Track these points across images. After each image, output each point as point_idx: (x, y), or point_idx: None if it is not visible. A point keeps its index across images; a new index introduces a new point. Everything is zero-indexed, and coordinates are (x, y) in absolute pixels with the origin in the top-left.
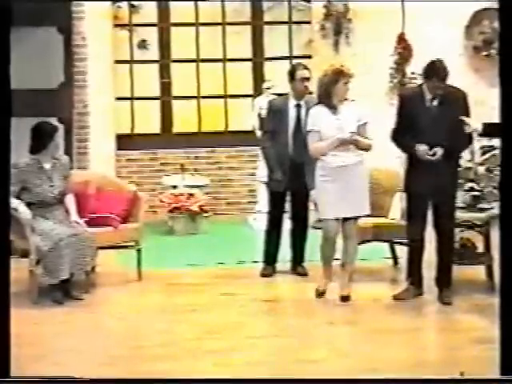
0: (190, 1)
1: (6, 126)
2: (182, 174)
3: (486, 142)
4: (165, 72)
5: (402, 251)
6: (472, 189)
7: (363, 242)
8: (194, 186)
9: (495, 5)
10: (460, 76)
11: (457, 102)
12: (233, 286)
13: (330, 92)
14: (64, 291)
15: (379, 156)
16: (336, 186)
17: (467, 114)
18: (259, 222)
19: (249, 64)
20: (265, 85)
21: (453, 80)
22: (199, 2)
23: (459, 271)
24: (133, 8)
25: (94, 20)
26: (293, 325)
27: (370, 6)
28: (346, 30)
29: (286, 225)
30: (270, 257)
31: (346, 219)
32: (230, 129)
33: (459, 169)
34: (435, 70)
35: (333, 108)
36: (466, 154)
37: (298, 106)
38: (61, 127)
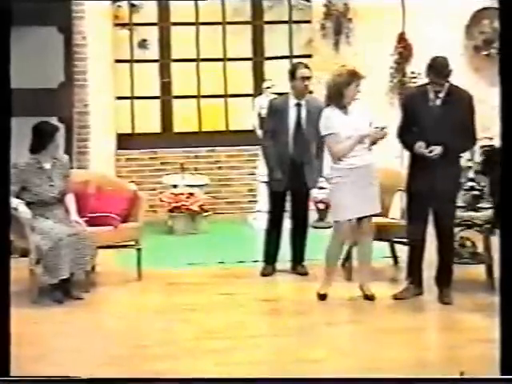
0: (190, 0)
1: (6, 125)
2: (182, 173)
3: (486, 141)
4: (165, 71)
5: (402, 251)
6: (472, 188)
7: None
8: (194, 186)
9: (495, 4)
10: (460, 75)
11: (461, 103)
12: (233, 285)
13: (342, 93)
14: (64, 290)
15: (379, 156)
16: (352, 187)
17: (472, 116)
18: (259, 221)
19: (249, 63)
20: (265, 84)
21: (453, 79)
22: (199, 2)
23: (459, 270)
24: (133, 7)
25: (95, 19)
26: (293, 324)
27: (370, 5)
28: (347, 29)
29: (286, 224)
30: (270, 256)
31: (360, 218)
32: (230, 128)
33: (460, 168)
34: (434, 66)
35: (344, 108)
36: (466, 154)
37: (299, 106)
38: (61, 126)
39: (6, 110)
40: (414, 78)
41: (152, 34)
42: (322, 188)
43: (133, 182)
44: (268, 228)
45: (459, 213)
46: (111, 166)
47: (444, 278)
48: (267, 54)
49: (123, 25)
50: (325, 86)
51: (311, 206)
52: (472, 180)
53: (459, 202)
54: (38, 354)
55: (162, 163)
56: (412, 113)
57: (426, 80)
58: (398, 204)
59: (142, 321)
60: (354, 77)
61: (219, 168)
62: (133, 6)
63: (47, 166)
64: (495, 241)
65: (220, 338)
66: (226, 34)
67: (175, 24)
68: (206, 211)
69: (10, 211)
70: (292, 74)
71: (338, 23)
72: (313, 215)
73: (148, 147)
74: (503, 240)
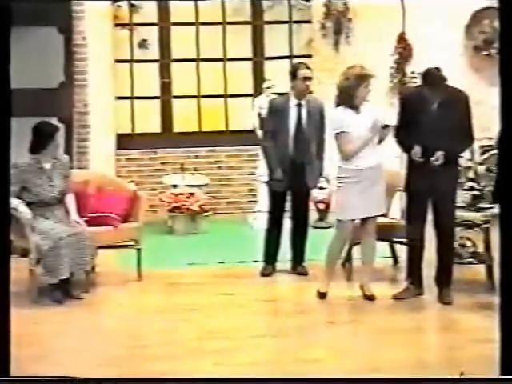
0: (190, 0)
1: (6, 125)
2: (182, 173)
3: (485, 141)
4: (165, 71)
5: (402, 251)
6: (472, 188)
7: None
8: (194, 186)
9: (495, 4)
10: (460, 76)
11: (458, 104)
12: (233, 285)
13: (352, 95)
14: (64, 291)
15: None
16: (359, 188)
17: (468, 117)
18: (259, 221)
19: (249, 63)
20: (265, 84)
21: (453, 80)
22: (199, 2)
23: (459, 270)
24: (133, 7)
25: (95, 19)
26: (293, 324)
27: (370, 5)
28: (346, 29)
29: (287, 224)
30: (270, 256)
31: (364, 219)
32: (230, 128)
33: (460, 168)
34: (429, 79)
35: (355, 108)
36: (466, 154)
37: (299, 106)
38: (61, 126)
39: (5, 110)
40: (414, 77)
41: (152, 34)
42: (322, 188)
43: (133, 181)
44: (268, 228)
45: (459, 213)
46: (111, 165)
47: (444, 277)
48: (267, 54)
49: (123, 25)
50: (336, 88)
51: (311, 206)
52: (472, 180)
53: (459, 202)
54: (38, 354)
55: (162, 163)
56: (410, 114)
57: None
58: (398, 204)
59: (141, 321)
60: (362, 79)
61: (219, 168)
62: (133, 6)
63: (47, 166)
64: (495, 240)
65: (220, 338)
66: (226, 33)
67: (175, 24)
68: (206, 211)
69: (10, 211)
70: (293, 75)
71: (337, 23)
72: (313, 215)
73: (148, 147)
74: (503, 240)
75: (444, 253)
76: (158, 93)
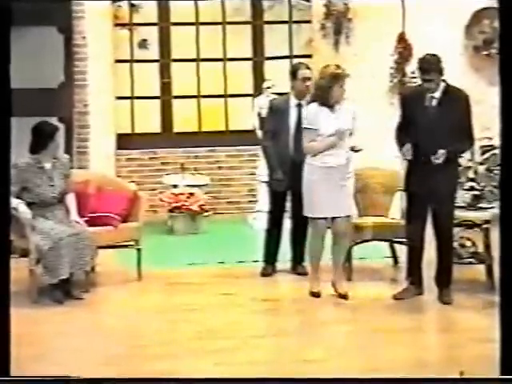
0: (190, 0)
1: (6, 125)
2: (182, 173)
3: (486, 141)
4: (165, 71)
5: (402, 251)
6: (472, 188)
7: (363, 241)
8: (194, 186)
9: (495, 4)
10: (460, 75)
11: (457, 103)
12: (233, 285)
13: (327, 94)
14: (64, 290)
15: (379, 155)
16: (325, 186)
17: (469, 116)
18: (259, 221)
19: (249, 63)
20: (265, 84)
21: (453, 79)
22: (199, 2)
23: (459, 270)
24: (133, 7)
25: (94, 19)
26: (293, 324)
27: (370, 5)
28: (347, 29)
29: (287, 224)
30: (270, 256)
31: (335, 218)
32: (230, 128)
33: (460, 168)
34: (421, 63)
35: (331, 107)
36: (466, 154)
37: (299, 106)
38: (61, 126)
39: (5, 110)
40: (414, 77)
41: (152, 34)
42: None
43: (133, 181)
44: (268, 228)
45: (459, 213)
46: (111, 165)
47: (444, 277)
48: (267, 54)
49: (123, 25)
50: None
51: None
52: (472, 180)
53: (459, 202)
54: (38, 353)
55: (162, 163)
56: (409, 113)
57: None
58: (398, 204)
59: (141, 321)
60: (336, 78)
61: (219, 168)
62: (133, 6)
63: (47, 166)
64: (495, 240)
65: (220, 338)
66: (225, 33)
67: (175, 24)
68: (206, 211)
69: (10, 211)
70: (293, 75)
71: (338, 23)
72: None
73: (148, 147)
74: (503, 240)
75: (444, 253)
76: (157, 93)
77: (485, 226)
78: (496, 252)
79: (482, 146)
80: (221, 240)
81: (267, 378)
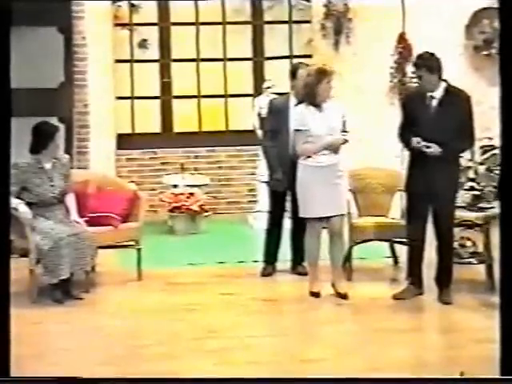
0: (190, 0)
1: (7, 125)
2: (182, 173)
3: (486, 141)
4: (165, 71)
5: (402, 251)
6: (472, 188)
7: (363, 241)
8: (194, 186)
9: (495, 4)
10: (460, 75)
11: (458, 103)
12: (233, 285)
13: (315, 92)
14: (64, 290)
15: (379, 155)
16: (319, 185)
17: (470, 116)
18: (259, 221)
19: (249, 63)
20: (265, 84)
21: (453, 80)
22: (199, 2)
23: (459, 270)
24: (133, 7)
25: (94, 19)
26: (293, 324)
27: (370, 5)
28: (347, 29)
29: (287, 224)
30: (270, 256)
31: (330, 217)
32: (230, 128)
33: (460, 168)
34: (416, 60)
35: (318, 106)
36: (466, 154)
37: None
38: (61, 126)
39: (5, 110)
40: (414, 77)
41: (152, 34)
42: None
43: (133, 181)
44: (268, 228)
45: (459, 213)
46: (111, 165)
47: (444, 277)
48: (267, 54)
49: (123, 25)
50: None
51: None
52: (472, 180)
53: (459, 202)
54: (38, 353)
55: (162, 163)
56: (410, 113)
57: None
58: (399, 204)
59: (141, 321)
60: (322, 75)
61: (219, 168)
62: (133, 5)
63: (47, 166)
64: (495, 240)
65: (219, 337)
66: (225, 33)
67: (175, 24)
68: (207, 211)
69: (10, 211)
70: (293, 74)
71: (338, 23)
72: None
73: (148, 147)
74: (503, 240)
75: (444, 253)
76: (158, 93)
77: (485, 226)
78: (496, 252)
79: (482, 146)
80: (221, 240)
81: (267, 378)
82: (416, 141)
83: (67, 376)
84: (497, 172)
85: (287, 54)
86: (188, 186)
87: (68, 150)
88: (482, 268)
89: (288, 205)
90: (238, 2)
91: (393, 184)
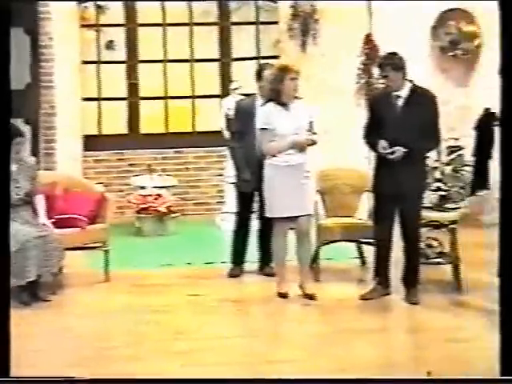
0: (157, 1)
1: (6, 125)
2: (149, 174)
3: (452, 142)
4: (132, 72)
5: (370, 251)
6: (439, 189)
7: (331, 241)
8: (161, 187)
9: (461, 5)
10: (427, 76)
11: (424, 103)
12: (201, 286)
13: (279, 89)
14: (31, 292)
15: (347, 156)
16: (286, 185)
17: (436, 116)
18: (227, 222)
19: (216, 64)
20: (232, 85)
21: (420, 80)
22: (166, 3)
23: (426, 271)
24: (99, 8)
25: (61, 20)
26: (261, 325)
27: (337, 6)
28: (314, 30)
29: (254, 225)
30: (238, 257)
31: (297, 217)
32: (197, 129)
33: (426, 168)
34: (381, 60)
35: (284, 105)
36: (432, 154)
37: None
38: (27, 128)
39: (5, 110)
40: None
41: (119, 35)
42: None
43: (100, 183)
44: (236, 229)
45: (426, 213)
46: (78, 167)
47: (411, 278)
48: (234, 55)
49: (90, 26)
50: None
51: None
52: (439, 180)
53: (426, 203)
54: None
55: (129, 164)
56: (377, 114)
57: None
58: (366, 204)
59: (109, 322)
60: (285, 72)
61: (187, 169)
62: (99, 7)
63: (13, 168)
64: (461, 241)
65: (187, 339)
66: (193, 35)
67: (142, 25)
68: (174, 212)
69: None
70: (259, 75)
71: (304, 24)
72: None
73: (115, 148)
74: (503, 239)
75: (411, 253)
76: (125, 94)
77: (451, 226)
78: (462, 252)
79: (449, 147)
80: (189, 241)
81: (267, 379)
82: (382, 146)
83: (67, 376)
84: (463, 172)
85: (254, 55)
86: (156, 187)
87: (34, 152)
88: (448, 268)
89: (256, 206)
90: (204, 4)
91: (360, 185)
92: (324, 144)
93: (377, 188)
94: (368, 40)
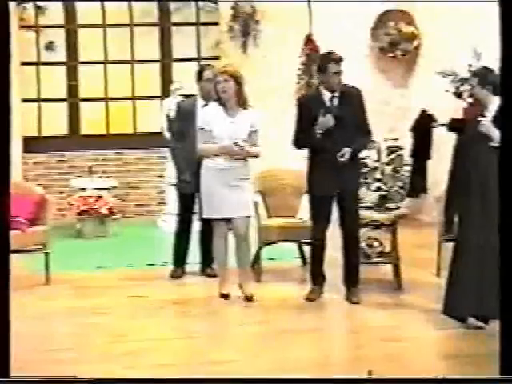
0: (97, 1)
1: (6, 125)
2: (90, 176)
3: (391, 142)
4: (72, 74)
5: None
6: (379, 189)
7: (272, 242)
8: (102, 189)
9: (400, 6)
10: (366, 77)
11: (354, 101)
12: (142, 288)
13: (215, 91)
14: None
15: (287, 156)
16: (219, 187)
17: (364, 112)
18: (168, 223)
19: (157, 65)
20: (173, 86)
21: (359, 81)
22: (106, 3)
23: (367, 270)
24: (39, 9)
25: None
26: (202, 326)
27: (277, 7)
28: (254, 31)
29: (196, 226)
30: (180, 258)
31: (233, 219)
32: (138, 131)
33: (367, 169)
34: (328, 57)
35: (227, 109)
36: (372, 154)
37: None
38: None
39: (5, 110)
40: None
41: (59, 36)
42: None
43: (40, 185)
44: (177, 230)
45: (366, 213)
46: (18, 169)
47: (351, 277)
48: (175, 56)
49: (29, 27)
50: None
51: None
52: (379, 180)
53: (366, 203)
54: None
55: (69, 166)
56: (310, 118)
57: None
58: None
59: (50, 325)
60: (219, 73)
61: (127, 171)
62: (38, 7)
63: None
64: (401, 240)
65: (129, 341)
66: (133, 35)
67: (82, 26)
68: (115, 214)
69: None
70: (199, 76)
71: (245, 25)
72: None
73: (55, 150)
74: (503, 240)
75: (351, 253)
76: (65, 95)
77: (392, 226)
78: (402, 252)
79: (389, 147)
80: (130, 243)
81: (268, 379)
82: (327, 119)
83: (67, 376)
84: (403, 173)
85: (195, 56)
86: (96, 188)
87: None
88: (389, 268)
89: (197, 207)
90: (145, 4)
91: (301, 185)
92: (264, 144)
93: (312, 188)
94: (308, 40)
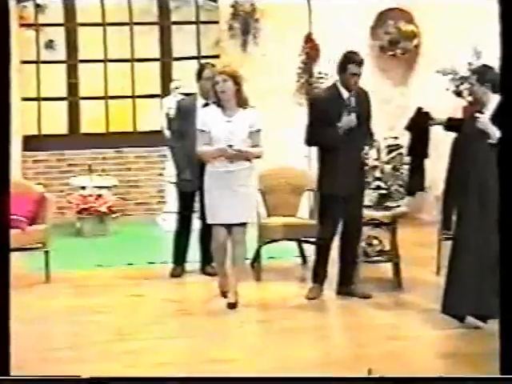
0: None
1: (6, 125)
2: (89, 174)
3: (391, 140)
4: (72, 72)
5: (311, 250)
6: (379, 187)
7: (272, 240)
8: (102, 187)
9: (400, 5)
10: (366, 75)
11: (365, 100)
12: (142, 286)
13: (213, 91)
14: None
15: (287, 155)
16: (219, 191)
17: (370, 111)
18: (168, 222)
19: (157, 64)
20: (173, 84)
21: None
22: (106, 2)
23: (367, 269)
24: (38, 7)
25: None
26: (203, 325)
27: (277, 5)
28: (254, 29)
29: (196, 225)
30: (180, 257)
31: (232, 225)
32: (138, 129)
33: (367, 167)
34: (349, 57)
35: (227, 110)
36: (372, 153)
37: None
38: None
39: (5, 110)
40: (321, 78)
41: (59, 35)
42: None
43: (40, 183)
44: (177, 229)
45: (366, 212)
46: (18, 167)
47: (348, 274)
48: (175, 55)
49: (29, 25)
50: None
51: None
52: (379, 179)
53: (366, 201)
54: None
55: (69, 165)
56: (327, 115)
57: (333, 80)
58: (307, 203)
59: (50, 324)
60: (218, 73)
61: (128, 169)
62: (38, 6)
63: None
64: (401, 239)
65: (129, 339)
66: (133, 34)
67: (82, 24)
68: (115, 213)
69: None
70: (199, 75)
71: (245, 23)
72: None
73: (55, 149)
74: (503, 239)
75: (352, 251)
76: (65, 94)
77: (391, 224)
78: (402, 250)
79: (388, 146)
80: (130, 241)
81: (268, 378)
82: (349, 120)
83: (67, 376)
84: (403, 171)
85: (195, 54)
86: (96, 187)
87: None
88: (388, 266)
89: (197, 205)
90: (145, 3)
91: (301, 184)
92: (264, 143)
93: (322, 187)
94: (308, 39)
